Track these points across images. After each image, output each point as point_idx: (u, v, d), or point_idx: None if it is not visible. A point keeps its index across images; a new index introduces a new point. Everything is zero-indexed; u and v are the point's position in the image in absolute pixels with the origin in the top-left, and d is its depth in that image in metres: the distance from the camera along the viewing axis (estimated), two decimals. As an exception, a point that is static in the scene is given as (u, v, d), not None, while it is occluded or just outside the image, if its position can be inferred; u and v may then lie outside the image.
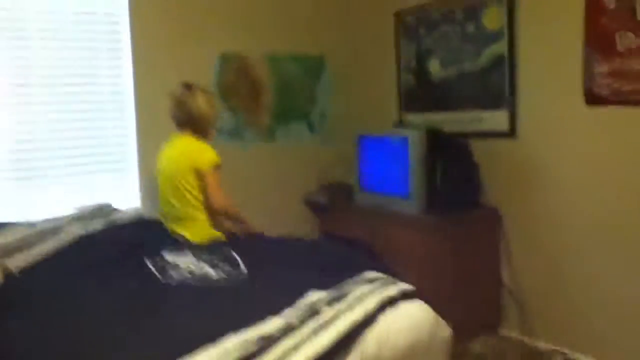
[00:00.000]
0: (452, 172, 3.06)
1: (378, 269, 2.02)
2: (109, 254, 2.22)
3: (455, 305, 2.82)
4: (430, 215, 3.03)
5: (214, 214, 2.67)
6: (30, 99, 2.90)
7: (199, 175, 2.62)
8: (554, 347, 2.88)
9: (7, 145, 2.84)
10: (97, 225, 2.48)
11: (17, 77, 2.86)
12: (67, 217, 2.56)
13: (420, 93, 3.64)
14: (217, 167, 2.66)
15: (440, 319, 1.82)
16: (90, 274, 2.08)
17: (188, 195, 2.64)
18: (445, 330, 1.82)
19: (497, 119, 3.18)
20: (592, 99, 2.72)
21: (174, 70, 3.22)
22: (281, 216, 3.66)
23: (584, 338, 2.82)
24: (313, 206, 3.82)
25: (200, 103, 2.71)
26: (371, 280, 1.89)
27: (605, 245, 2.71)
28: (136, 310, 1.79)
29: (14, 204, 2.83)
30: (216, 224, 2.67)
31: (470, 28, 3.28)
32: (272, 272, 2.05)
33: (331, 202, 3.62)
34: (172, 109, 2.74)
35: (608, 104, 2.66)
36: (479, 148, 3.19)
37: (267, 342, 1.52)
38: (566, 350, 2.82)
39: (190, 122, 2.71)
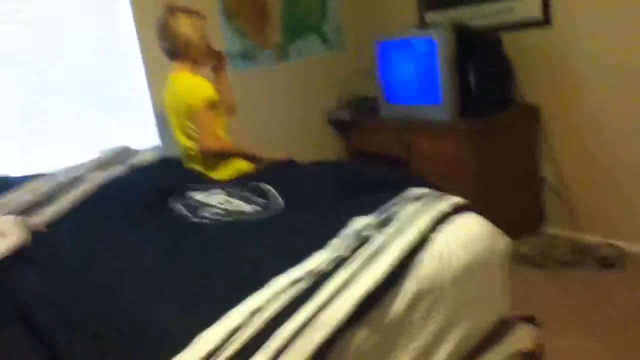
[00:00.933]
0: (485, 71, 2.83)
1: (421, 184, 1.87)
2: (136, 198, 2.09)
3: (499, 207, 2.70)
4: (465, 120, 2.84)
5: (204, 153, 2.48)
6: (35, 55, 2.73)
7: (196, 114, 2.41)
8: (602, 240, 2.77)
9: (17, 100, 2.69)
10: (118, 170, 2.34)
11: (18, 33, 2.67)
12: (87, 164, 2.44)
13: (441, -13, 3.33)
14: (210, 105, 2.40)
15: (497, 230, 1.69)
16: (119, 220, 1.97)
17: (196, 135, 2.47)
18: (503, 242, 1.69)
19: (528, 6, 2.90)
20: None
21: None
22: (305, 137, 3.52)
23: (631, 228, 2.71)
24: (337, 124, 3.64)
25: (183, 27, 2.41)
26: (418, 197, 1.74)
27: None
28: (174, 252, 1.69)
29: (30, 158, 2.72)
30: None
31: None
32: (309, 201, 1.91)
33: (356, 117, 3.43)
34: (157, 38, 2.47)
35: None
36: (510, 41, 2.94)
37: (319, 277, 1.40)
38: (615, 241, 2.70)
39: (178, 51, 2.44)
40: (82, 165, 2.43)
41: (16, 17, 2.67)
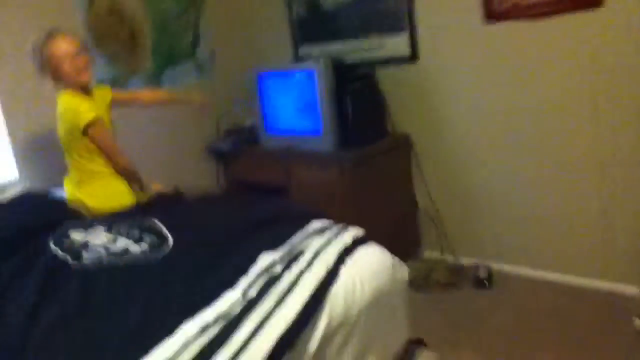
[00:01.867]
0: (361, 103, 2.95)
1: (320, 216, 1.88)
2: (1, 241, 1.84)
3: (379, 234, 2.80)
4: (344, 150, 2.92)
5: (120, 173, 2.36)
6: None
7: (84, 137, 2.26)
8: (476, 261, 2.99)
9: None
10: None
11: None
12: None
13: (315, 23, 3.43)
14: (94, 122, 2.26)
15: (397, 259, 1.75)
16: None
17: (80, 158, 2.29)
18: (403, 270, 1.75)
19: (398, 44, 3.09)
20: (492, 15, 2.71)
21: (27, 13, 2.73)
22: (183, 166, 3.39)
23: (499, 248, 2.96)
24: (217, 154, 3.55)
25: (58, 52, 2.27)
26: (321, 230, 1.75)
27: (510, 159, 2.81)
28: (55, 308, 1.50)
29: None
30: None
31: (361, -52, 3.09)
32: (205, 237, 1.82)
33: (236, 147, 3.37)
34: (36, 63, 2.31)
35: (507, 19, 2.67)
36: (382, 76, 3.11)
37: (230, 322, 1.33)
38: (488, 263, 2.94)
39: (56, 76, 2.29)
40: None
41: None
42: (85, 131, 2.24)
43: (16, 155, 2.72)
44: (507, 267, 2.95)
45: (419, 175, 3.17)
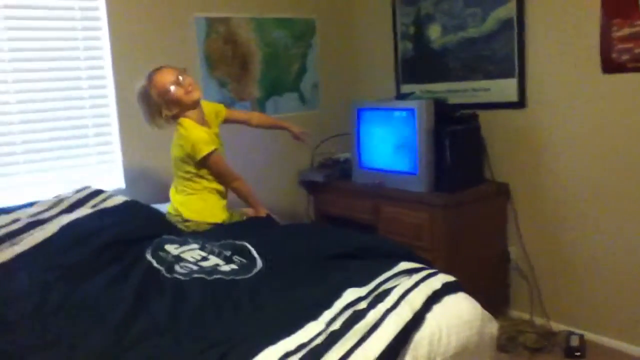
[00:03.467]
0: (461, 147, 2.88)
1: (411, 258, 1.83)
2: (103, 247, 1.95)
3: (466, 285, 2.69)
4: (437, 193, 2.85)
5: (235, 192, 2.54)
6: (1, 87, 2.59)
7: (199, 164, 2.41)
8: (567, 328, 2.78)
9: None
10: (83, 212, 2.20)
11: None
12: (50, 203, 2.27)
13: (420, 61, 3.43)
14: (211, 154, 2.40)
15: (487, 313, 1.66)
16: (83, 271, 1.82)
17: (187, 177, 2.43)
18: (493, 325, 1.66)
19: (505, 89, 3.01)
20: (610, 65, 2.57)
21: (151, 38, 2.95)
22: (274, 194, 3.45)
23: (597, 318, 2.74)
24: (309, 185, 3.59)
25: (154, 90, 2.42)
26: (409, 272, 1.70)
27: (622, 220, 2.60)
28: (147, 317, 1.55)
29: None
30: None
31: (474, -10, 3.07)
32: (294, 264, 1.83)
33: (328, 180, 3.40)
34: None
35: (627, 71, 2.52)
36: (485, 119, 3.03)
37: (312, 354, 1.31)
38: (581, 331, 2.73)
39: (173, 105, 2.42)
40: (44, 203, 2.27)
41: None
42: (201, 162, 2.38)
43: (125, 167, 2.92)
44: (603, 339, 2.71)
45: (514, 228, 3.02)
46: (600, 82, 2.61)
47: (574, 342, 2.63)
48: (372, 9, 3.65)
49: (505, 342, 2.65)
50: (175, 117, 2.42)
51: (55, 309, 1.60)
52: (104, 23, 2.84)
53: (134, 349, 1.38)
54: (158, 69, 2.44)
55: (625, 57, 2.51)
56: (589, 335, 2.72)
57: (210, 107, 2.62)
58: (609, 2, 2.53)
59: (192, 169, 2.40)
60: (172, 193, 2.52)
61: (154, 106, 2.40)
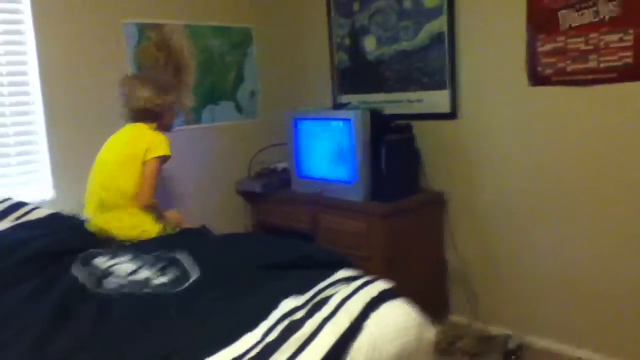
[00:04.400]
0: (397, 156, 2.92)
1: (348, 265, 1.82)
2: (24, 260, 1.83)
3: (405, 292, 2.71)
4: (375, 202, 2.88)
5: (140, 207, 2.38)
6: None
7: (144, 164, 2.42)
8: (506, 331, 2.85)
9: None
10: (5, 224, 2.06)
11: None
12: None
13: (356, 72, 3.47)
14: (164, 159, 2.47)
15: (424, 319, 1.67)
16: (2, 285, 1.70)
17: (126, 181, 2.36)
18: (430, 331, 1.67)
19: (438, 100, 3.08)
20: (536, 78, 2.68)
21: (79, 43, 2.83)
22: (211, 205, 3.39)
23: (533, 321, 2.82)
24: (247, 195, 3.54)
25: (157, 101, 2.54)
26: (346, 279, 1.69)
27: (552, 226, 2.70)
28: (67, 334, 1.46)
29: None
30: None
31: (407, 4, 3.13)
32: (228, 276, 1.78)
33: (266, 190, 3.36)
34: (126, 102, 2.54)
35: (552, 84, 2.64)
36: (420, 129, 3.08)
37: (247, 366, 1.27)
38: (519, 334, 2.80)
39: (154, 114, 2.54)
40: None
41: None
42: (152, 159, 2.41)
43: (54, 175, 2.77)
44: (541, 342, 2.78)
45: (450, 235, 3.09)
46: (527, 94, 2.71)
47: (512, 345, 2.69)
48: (308, 19, 3.67)
49: (445, 347, 2.69)
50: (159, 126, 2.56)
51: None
52: (29, 28, 2.70)
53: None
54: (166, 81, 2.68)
55: (549, 70, 2.63)
56: (528, 338, 2.79)
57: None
58: (533, 19, 2.64)
59: (133, 172, 2.38)
60: (91, 211, 2.43)
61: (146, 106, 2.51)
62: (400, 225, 2.89)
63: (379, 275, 1.79)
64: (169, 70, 3.23)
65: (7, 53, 2.66)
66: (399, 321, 1.58)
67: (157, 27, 3.16)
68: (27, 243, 1.94)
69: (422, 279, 2.99)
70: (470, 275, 3.03)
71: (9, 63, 2.68)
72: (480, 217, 2.98)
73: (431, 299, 3.05)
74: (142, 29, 3.10)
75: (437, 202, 3.09)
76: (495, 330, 2.91)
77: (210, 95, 3.44)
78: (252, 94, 3.64)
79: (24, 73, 2.72)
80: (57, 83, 2.75)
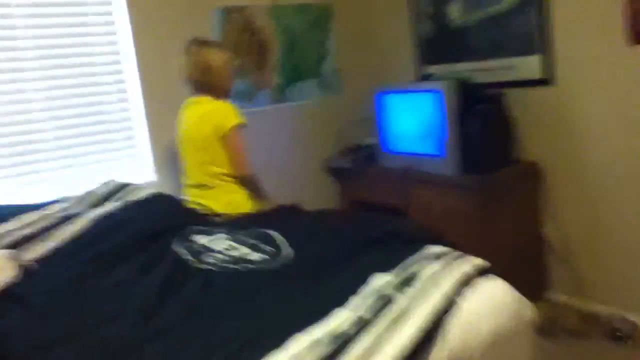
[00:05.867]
0: (488, 127, 2.81)
1: (439, 241, 1.79)
2: (132, 238, 1.96)
3: (501, 269, 2.63)
4: (467, 175, 2.80)
5: (240, 181, 2.46)
6: (26, 85, 2.61)
7: (224, 138, 2.40)
8: (612, 310, 2.69)
9: (5, 130, 2.57)
10: (113, 206, 2.21)
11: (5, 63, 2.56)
12: (80, 198, 2.30)
13: (440, 42, 3.36)
14: (241, 127, 2.44)
15: (523, 297, 1.61)
16: (113, 259, 1.84)
17: (213, 162, 2.43)
18: (529, 309, 1.61)
19: (529, 66, 2.92)
20: (636, 37, 2.47)
21: (171, 31, 2.92)
22: (300, 183, 3.44)
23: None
24: (335, 172, 3.56)
25: (216, 60, 2.45)
26: (437, 256, 1.66)
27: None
28: (173, 307, 1.55)
29: (16, 192, 2.56)
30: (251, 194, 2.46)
31: (493, -34, 2.98)
32: (320, 252, 1.80)
33: (354, 166, 3.36)
34: (186, 69, 2.47)
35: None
36: (511, 98, 2.95)
37: (342, 341, 1.29)
38: (625, 312, 2.64)
39: (207, 83, 2.46)
40: (75, 198, 2.30)
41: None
42: (229, 131, 2.38)
43: (155, 159, 2.93)
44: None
45: (548, 208, 2.95)
46: (627, 55, 2.51)
47: (620, 324, 2.54)
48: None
49: (546, 326, 2.58)
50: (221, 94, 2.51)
51: (87, 296, 1.62)
52: (124, 17, 2.84)
53: (157, 338, 1.38)
54: (214, 43, 2.56)
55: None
56: (635, 317, 2.62)
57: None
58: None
59: (215, 151, 2.39)
60: (188, 189, 2.52)
61: (199, 72, 2.46)
62: (494, 199, 2.80)
63: (472, 252, 1.75)
64: (254, 50, 3.29)
65: (104, 43, 2.82)
66: (495, 298, 1.54)
67: (240, 9, 3.21)
68: (132, 222, 2.07)
69: (519, 254, 2.89)
70: (571, 249, 2.89)
71: (107, 53, 2.83)
72: (580, 188, 2.81)
73: (528, 276, 2.96)
74: (227, 12, 3.17)
75: (533, 174, 2.96)
76: (600, 309, 2.76)
77: (295, 74, 3.47)
78: (335, 70, 3.63)
79: (118, 62, 2.87)
80: (151, 67, 2.88)
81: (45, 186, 2.63)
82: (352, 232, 1.92)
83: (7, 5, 2.54)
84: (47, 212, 2.12)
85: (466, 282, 1.54)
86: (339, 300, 1.46)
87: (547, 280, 3.02)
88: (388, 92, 3.17)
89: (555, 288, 2.99)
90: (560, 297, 2.96)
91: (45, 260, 1.83)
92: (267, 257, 1.81)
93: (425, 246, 1.74)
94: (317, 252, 1.80)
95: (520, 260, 2.90)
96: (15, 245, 1.88)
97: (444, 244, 1.78)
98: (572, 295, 2.90)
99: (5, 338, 1.37)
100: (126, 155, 2.90)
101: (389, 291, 1.48)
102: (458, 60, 3.26)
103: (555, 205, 2.92)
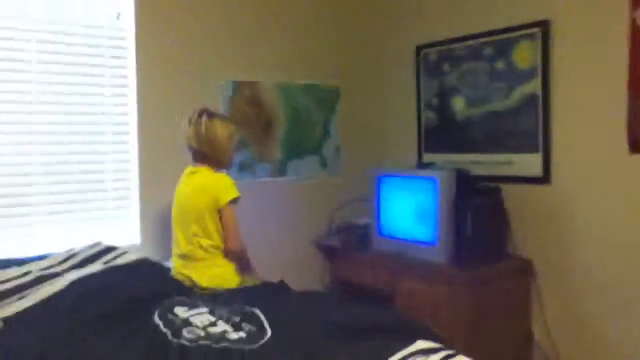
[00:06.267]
0: (482, 219, 2.81)
1: (428, 335, 1.73)
2: (110, 304, 1.90)
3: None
4: (457, 266, 2.77)
5: (229, 255, 2.41)
6: (24, 137, 2.63)
7: (218, 211, 2.40)
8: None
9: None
10: (95, 267, 2.16)
11: (10, 109, 2.59)
12: (61, 257, 2.25)
13: (443, 132, 3.42)
14: (236, 201, 2.44)
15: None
16: (91, 329, 1.76)
17: (202, 234, 2.39)
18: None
19: (529, 163, 2.96)
20: (638, 146, 2.52)
21: (179, 100, 2.98)
22: (290, 258, 3.40)
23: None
24: (325, 250, 3.53)
25: (220, 133, 2.47)
26: (425, 352, 1.61)
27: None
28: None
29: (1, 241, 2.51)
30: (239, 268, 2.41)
31: (500, 65, 3.08)
32: (303, 337, 1.74)
33: (344, 246, 3.33)
34: (190, 138, 2.48)
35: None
36: (508, 193, 2.96)
37: None
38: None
39: (209, 154, 2.48)
40: (56, 256, 2.25)
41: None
42: (226, 205, 2.39)
43: (142, 222, 2.90)
44: None
45: (539, 308, 2.89)
46: (627, 162, 2.55)
47: None
48: (397, 78, 3.69)
49: None
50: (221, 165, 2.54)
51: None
52: (132, 76, 2.90)
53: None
54: (220, 115, 2.59)
55: (653, 137, 2.47)
56: None
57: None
58: (635, 82, 2.51)
59: (209, 223, 2.37)
60: (175, 259, 2.48)
61: (202, 143, 2.48)
62: (484, 294, 2.74)
63: (460, 346, 1.69)
64: (259, 124, 3.34)
65: (112, 104, 2.86)
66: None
67: (251, 84, 3.30)
68: (115, 287, 2.02)
69: (505, 351, 2.81)
70: (558, 350, 2.81)
71: (114, 114, 2.87)
72: (571, 289, 2.78)
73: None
74: (237, 85, 3.25)
75: (526, 271, 2.93)
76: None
77: (297, 150, 3.51)
78: (337, 149, 3.68)
79: (124, 119, 2.90)
80: (152, 129, 2.92)
81: (27, 240, 2.59)
82: (339, 320, 1.86)
83: (21, 50, 2.60)
84: (25, 269, 2.07)
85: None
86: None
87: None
88: (387, 175, 3.19)
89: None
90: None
91: (16, 321, 1.76)
92: (244, 336, 1.75)
93: (415, 341, 1.69)
94: (301, 337, 1.74)
95: (508, 356, 2.82)
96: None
97: (433, 339, 1.72)
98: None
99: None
100: (115, 217, 2.87)
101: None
102: (459, 151, 3.31)
103: (545, 303, 2.87)
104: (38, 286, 1.95)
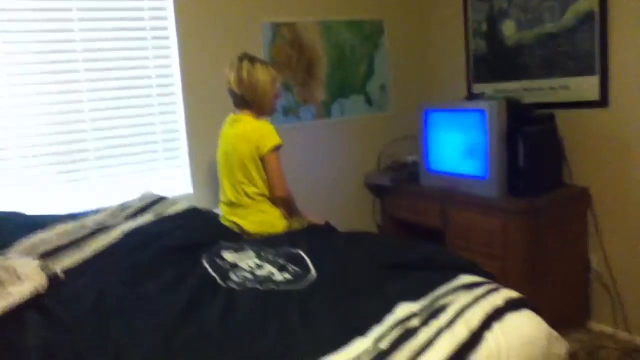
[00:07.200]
0: (536, 149, 2.70)
1: (472, 270, 1.72)
2: (162, 252, 1.99)
3: (542, 296, 2.52)
4: (511, 198, 2.70)
5: (275, 202, 2.44)
6: (75, 96, 2.68)
7: (260, 159, 2.39)
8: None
9: (52, 138, 2.63)
10: (146, 219, 2.25)
11: (60, 69, 2.64)
12: (115, 210, 2.35)
13: (493, 59, 3.27)
14: (277, 148, 2.42)
15: (554, 332, 1.53)
16: (144, 275, 1.86)
17: (246, 181, 2.41)
18: (561, 346, 1.52)
19: (585, 87, 2.80)
20: None
21: (219, 46, 2.97)
22: (340, 198, 3.42)
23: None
24: (374, 188, 3.52)
25: (262, 78, 2.43)
26: (468, 286, 1.60)
27: None
28: (197, 322, 1.56)
29: (59, 198, 2.64)
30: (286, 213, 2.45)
31: (552, -18, 2.87)
32: (347, 276, 1.77)
33: (394, 184, 3.31)
34: (230, 84, 2.46)
35: None
36: (563, 120, 2.83)
37: (356, 372, 1.26)
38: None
39: (251, 100, 2.45)
40: (110, 209, 2.35)
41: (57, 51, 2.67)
42: (268, 152, 2.38)
43: (193, 171, 2.97)
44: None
45: (596, 235, 2.80)
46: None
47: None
48: (442, 6, 3.53)
49: (585, 358, 2.45)
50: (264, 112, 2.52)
51: (111, 310, 1.64)
52: (172, 27, 2.90)
53: (181, 354, 1.39)
54: (263, 60, 2.52)
55: None
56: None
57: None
58: None
59: (252, 170, 2.40)
60: (223, 206, 2.53)
61: (245, 88, 2.45)
62: (539, 223, 2.67)
63: (513, 278, 1.67)
64: (301, 66, 3.30)
65: (154, 57, 2.89)
66: (525, 333, 1.46)
67: (290, 25, 3.24)
68: (165, 236, 2.10)
69: (561, 281, 2.76)
70: (617, 279, 2.74)
71: (157, 66, 2.90)
72: (630, 216, 2.67)
73: (570, 304, 2.83)
74: (277, 28, 3.20)
75: (582, 199, 2.82)
76: (644, 342, 2.61)
77: (341, 89, 3.45)
78: (382, 87, 3.60)
79: (169, 74, 2.92)
80: (196, 80, 2.94)
81: (84, 193, 2.70)
82: (383, 257, 1.88)
83: (68, 20, 2.65)
84: (81, 223, 2.18)
85: (496, 316, 1.47)
86: (362, 328, 1.42)
87: (590, 308, 2.87)
88: (435, 110, 3.10)
89: (597, 317, 2.85)
90: (602, 327, 2.81)
91: (74, 271, 1.87)
92: (290, 277, 1.80)
93: (459, 276, 1.68)
94: (345, 274, 1.77)
95: (564, 286, 2.77)
96: (48, 255, 1.93)
97: (479, 274, 1.71)
98: (615, 327, 2.74)
99: (24, 352, 1.38)
100: (166, 167, 2.95)
101: (413, 323, 1.43)
102: (510, 78, 3.17)
103: (603, 231, 2.77)
104: (94, 238, 2.05)
